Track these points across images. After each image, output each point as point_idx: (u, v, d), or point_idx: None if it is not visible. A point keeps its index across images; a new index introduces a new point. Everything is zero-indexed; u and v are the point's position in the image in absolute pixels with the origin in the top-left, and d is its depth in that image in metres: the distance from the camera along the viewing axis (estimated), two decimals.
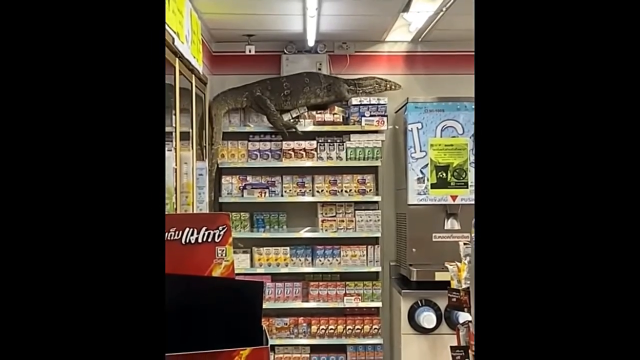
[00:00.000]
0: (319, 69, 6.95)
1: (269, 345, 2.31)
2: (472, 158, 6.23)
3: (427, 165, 6.29)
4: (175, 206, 4.81)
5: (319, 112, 6.82)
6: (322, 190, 6.72)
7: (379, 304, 6.73)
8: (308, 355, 6.67)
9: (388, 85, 6.87)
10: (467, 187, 6.26)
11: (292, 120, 6.78)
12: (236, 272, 2.52)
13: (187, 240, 2.35)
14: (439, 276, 5.77)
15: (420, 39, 6.91)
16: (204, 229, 2.37)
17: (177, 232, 2.35)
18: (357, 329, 6.68)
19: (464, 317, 4.33)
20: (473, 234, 3.75)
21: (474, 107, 6.15)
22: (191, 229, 2.37)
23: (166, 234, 2.36)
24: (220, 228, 2.40)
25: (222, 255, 2.39)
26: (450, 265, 4.21)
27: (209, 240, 2.38)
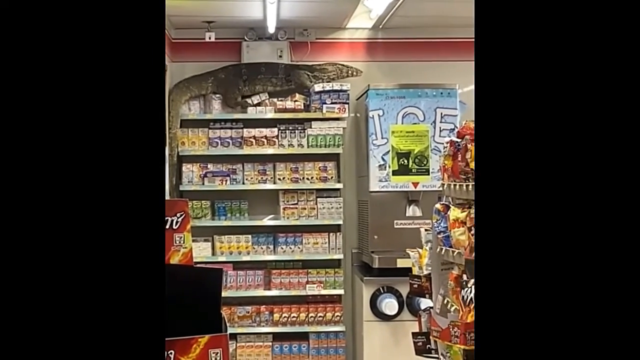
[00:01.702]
0: (280, 56, 6.92)
1: (227, 333, 2.28)
2: (434, 144, 6.25)
3: (388, 152, 6.29)
4: None
5: (280, 99, 6.79)
6: (283, 178, 6.70)
7: (341, 292, 6.74)
8: (270, 344, 6.65)
9: (350, 72, 6.86)
10: (429, 174, 6.27)
11: (252, 105, 6.78)
12: (198, 260, 2.50)
13: None
14: (401, 263, 5.77)
15: (381, 26, 6.90)
16: None
17: None
18: (320, 316, 6.68)
19: (426, 303, 4.34)
20: (434, 220, 3.75)
21: (437, 94, 6.17)
22: None
23: None
24: (178, 215, 2.37)
25: (180, 242, 2.36)
26: (412, 251, 4.21)
27: (167, 227, 2.35)
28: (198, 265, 2.47)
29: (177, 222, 2.37)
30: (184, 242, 2.37)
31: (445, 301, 3.56)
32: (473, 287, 2.97)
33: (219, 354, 2.19)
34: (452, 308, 3.42)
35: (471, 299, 2.97)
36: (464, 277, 3.17)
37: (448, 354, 3.24)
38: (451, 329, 2.99)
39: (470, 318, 2.94)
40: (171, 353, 2.14)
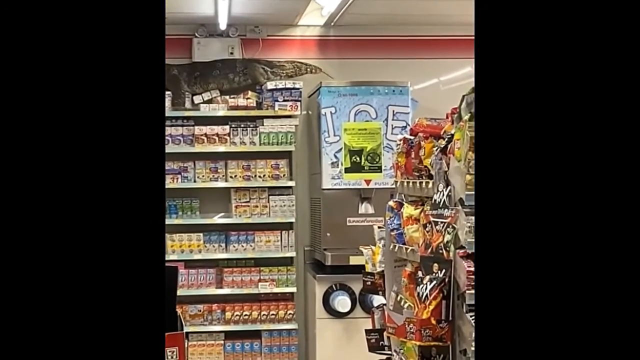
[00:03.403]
0: (231, 53, 6.88)
1: (184, 331, 2.26)
2: (386, 142, 6.27)
3: (340, 149, 6.30)
4: None
5: (232, 96, 6.75)
6: (235, 176, 6.66)
7: (293, 289, 6.73)
8: (222, 342, 6.62)
9: (308, 69, 6.85)
10: (381, 171, 6.28)
11: (202, 102, 6.74)
12: None
13: None
14: (354, 260, 5.79)
15: (332, 23, 6.90)
16: None
17: None
18: (272, 314, 6.66)
19: (379, 300, 4.34)
20: (387, 218, 3.76)
21: (389, 92, 6.18)
22: None
23: None
24: None
25: None
26: (365, 249, 4.22)
27: None
28: None
29: None
30: None
31: (399, 298, 3.57)
32: (429, 283, 2.99)
33: (175, 353, 2.17)
34: (406, 305, 3.43)
35: (426, 295, 2.98)
36: (419, 273, 3.18)
37: (402, 351, 3.25)
38: (407, 326, 3.00)
39: (426, 314, 2.95)
40: None
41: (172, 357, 2.13)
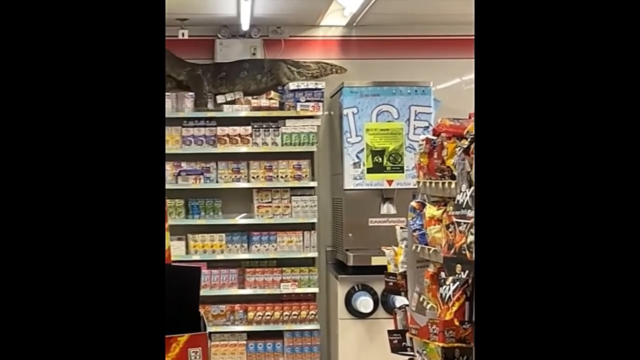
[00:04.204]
0: (254, 54, 6.90)
1: (207, 332, 2.27)
2: (408, 142, 6.25)
3: (362, 150, 6.29)
4: None
5: (254, 97, 6.76)
6: (257, 176, 6.67)
7: (315, 290, 6.73)
8: (245, 342, 6.63)
9: (334, 69, 6.86)
10: (403, 172, 6.27)
11: (224, 103, 6.76)
12: (172, 259, 2.47)
13: None
14: (376, 261, 5.77)
15: (355, 24, 6.90)
16: None
17: None
18: (294, 315, 6.66)
19: (401, 300, 4.33)
20: (410, 218, 3.75)
21: (411, 92, 6.17)
22: None
23: None
24: None
25: None
26: (387, 249, 4.21)
27: None
28: (176, 264, 2.44)
29: None
30: None
31: (421, 299, 3.56)
32: (452, 284, 2.98)
33: (198, 353, 2.18)
34: (428, 306, 3.42)
35: (449, 296, 2.97)
36: (442, 274, 3.17)
37: (424, 352, 3.24)
38: (430, 327, 2.99)
39: (449, 316, 2.94)
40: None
41: (195, 358, 2.13)
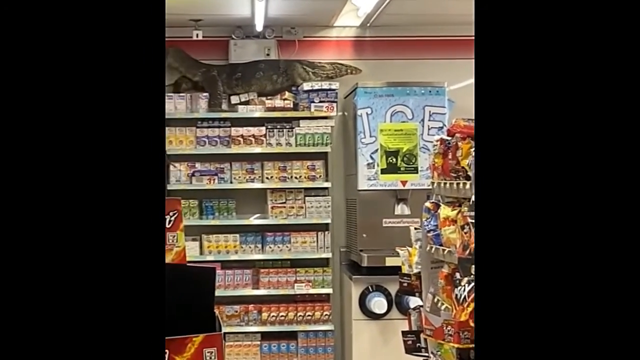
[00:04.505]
0: (267, 55, 6.90)
1: (222, 332, 2.27)
2: (422, 143, 6.24)
3: (377, 150, 6.28)
4: None
5: (269, 98, 6.77)
6: (271, 177, 6.68)
7: (329, 290, 6.72)
8: (259, 343, 6.63)
9: (349, 70, 6.85)
10: (417, 172, 6.26)
11: (238, 104, 6.77)
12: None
13: None
14: (390, 261, 5.77)
15: (369, 24, 6.89)
16: None
17: None
18: (308, 315, 6.66)
19: (415, 301, 4.33)
20: (424, 219, 3.75)
21: (425, 92, 6.17)
22: None
23: None
24: (171, 214, 2.36)
25: (173, 241, 2.34)
26: (401, 250, 4.21)
27: None
28: (191, 265, 2.45)
29: (170, 221, 2.35)
30: (177, 241, 2.35)
31: (436, 300, 3.56)
32: (467, 285, 2.97)
33: (213, 353, 2.18)
34: (443, 307, 3.41)
35: (464, 297, 2.96)
36: (456, 275, 3.16)
37: (439, 353, 3.23)
38: (445, 328, 2.99)
39: (464, 317, 2.93)
40: (165, 353, 2.12)
41: (210, 358, 2.13)
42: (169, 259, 2.32)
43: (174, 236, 2.34)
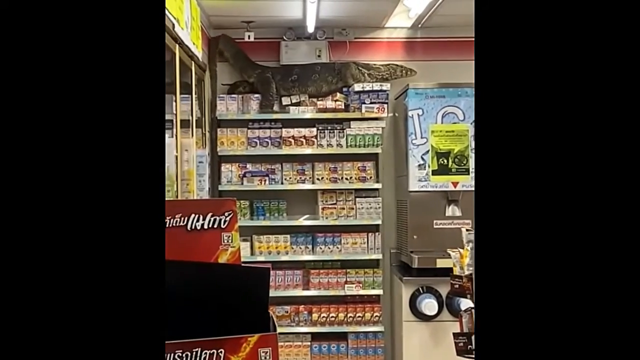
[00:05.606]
0: (319, 56, 6.93)
1: (277, 332, 2.29)
2: (473, 144, 6.21)
3: (428, 151, 6.26)
4: (176, 194, 4.78)
5: (320, 99, 6.79)
6: (322, 178, 6.70)
7: (379, 292, 6.72)
8: (309, 343, 6.66)
9: (403, 71, 6.86)
10: (468, 174, 6.23)
11: (290, 105, 6.80)
12: None
13: (193, 227, 2.32)
14: (440, 263, 5.77)
15: (420, 25, 6.88)
16: (209, 215, 2.33)
17: (182, 219, 2.31)
18: (358, 316, 6.67)
19: (466, 303, 4.31)
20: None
21: (474, 93, 6.16)
22: (197, 215, 2.33)
23: (172, 220, 2.33)
24: (227, 214, 2.37)
25: (228, 241, 2.36)
26: (453, 251, 4.19)
27: (215, 226, 2.35)
28: (245, 265, 2.47)
29: (225, 221, 2.36)
30: (232, 241, 2.37)
31: None
32: None
33: (268, 353, 2.20)
34: None
35: None
36: None
37: None
38: None
39: None
40: (221, 352, 2.14)
41: (265, 358, 2.15)
42: (224, 259, 2.34)
43: (229, 236, 2.36)
